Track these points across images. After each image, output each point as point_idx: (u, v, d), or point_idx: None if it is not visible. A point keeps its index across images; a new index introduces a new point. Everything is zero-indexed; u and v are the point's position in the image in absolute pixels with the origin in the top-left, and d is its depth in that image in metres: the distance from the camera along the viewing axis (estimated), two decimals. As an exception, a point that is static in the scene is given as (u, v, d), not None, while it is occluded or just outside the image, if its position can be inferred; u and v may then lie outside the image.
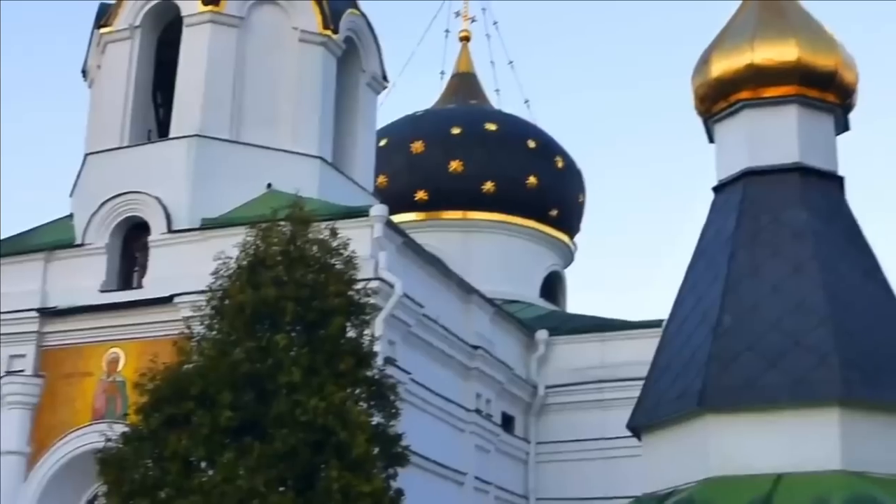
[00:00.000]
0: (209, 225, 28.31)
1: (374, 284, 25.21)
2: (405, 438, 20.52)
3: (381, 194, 34.22)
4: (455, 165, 41.10)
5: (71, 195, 31.62)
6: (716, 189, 20.11)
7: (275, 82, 30.80)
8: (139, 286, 28.94)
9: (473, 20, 48.33)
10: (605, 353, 34.91)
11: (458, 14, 48.34)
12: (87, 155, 31.26)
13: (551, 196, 42.34)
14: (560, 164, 43.02)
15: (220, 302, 20.37)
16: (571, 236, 44.30)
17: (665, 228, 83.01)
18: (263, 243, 20.52)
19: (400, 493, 20.13)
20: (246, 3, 30.98)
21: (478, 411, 32.13)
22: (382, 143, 38.48)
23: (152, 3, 31.48)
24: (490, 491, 32.49)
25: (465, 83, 46.77)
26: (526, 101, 47.22)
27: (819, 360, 17.11)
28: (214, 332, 20.15)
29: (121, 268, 29.61)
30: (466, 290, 32.23)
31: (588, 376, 34.59)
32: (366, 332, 20.72)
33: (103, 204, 29.50)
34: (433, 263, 30.74)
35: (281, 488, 18.56)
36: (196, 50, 30.61)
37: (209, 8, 30.50)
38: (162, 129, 31.64)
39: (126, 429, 20.25)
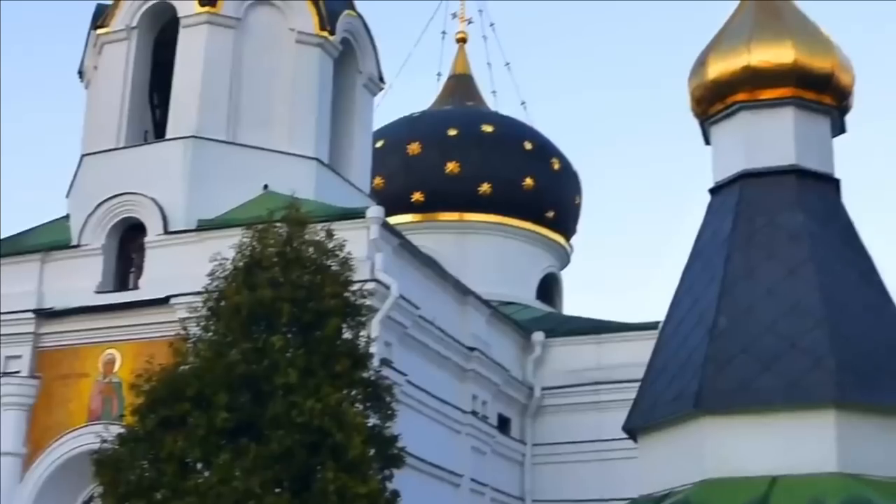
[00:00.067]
0: (205, 226, 28.30)
1: (370, 286, 25.19)
2: (401, 440, 20.51)
3: (377, 196, 34.22)
4: (451, 167, 41.10)
5: (67, 196, 31.61)
6: (712, 191, 20.10)
7: (271, 83, 30.80)
8: (135, 287, 28.94)
9: (470, 22, 48.44)
10: (601, 354, 34.93)
11: (454, 15, 48.43)
12: (83, 156, 31.24)
13: (548, 198, 42.35)
14: (556, 166, 43.03)
15: (216, 303, 20.36)
16: (568, 238, 44.30)
17: (661, 230, 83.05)
18: (260, 244, 20.51)
19: (396, 494, 20.13)
20: (242, 5, 30.98)
21: (474, 413, 32.13)
22: (379, 144, 38.50)
23: (149, 4, 31.48)
24: (486, 493, 32.50)
25: (461, 85, 46.78)
26: (522, 103, 47.35)
27: (814, 362, 17.11)
28: (210, 334, 20.14)
29: (117, 269, 29.61)
30: (463, 291, 32.24)
31: (584, 378, 34.60)
32: (362, 333, 20.71)
33: (100, 205, 29.50)
34: (429, 265, 30.73)
35: (277, 490, 18.55)
36: (193, 51, 30.60)
37: (206, 9, 30.50)
38: (158, 131, 31.62)
39: (122, 430, 20.23)
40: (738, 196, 19.32)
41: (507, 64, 48.29)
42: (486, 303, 33.70)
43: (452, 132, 41.86)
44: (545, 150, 43.25)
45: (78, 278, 29.05)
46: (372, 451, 19.46)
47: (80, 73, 33.18)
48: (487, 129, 42.45)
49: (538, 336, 35.50)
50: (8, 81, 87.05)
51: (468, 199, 41.04)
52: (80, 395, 28.25)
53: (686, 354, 18.19)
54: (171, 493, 18.69)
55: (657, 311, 22.50)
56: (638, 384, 19.29)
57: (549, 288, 43.34)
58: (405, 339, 28.36)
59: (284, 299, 19.60)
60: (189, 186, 29.14)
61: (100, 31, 31.82)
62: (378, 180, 38.60)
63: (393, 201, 36.58)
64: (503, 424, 34.28)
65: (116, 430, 20.61)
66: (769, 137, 19.45)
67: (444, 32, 48.44)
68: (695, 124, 20.82)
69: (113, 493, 19.37)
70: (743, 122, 19.72)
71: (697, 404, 17.41)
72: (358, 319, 20.62)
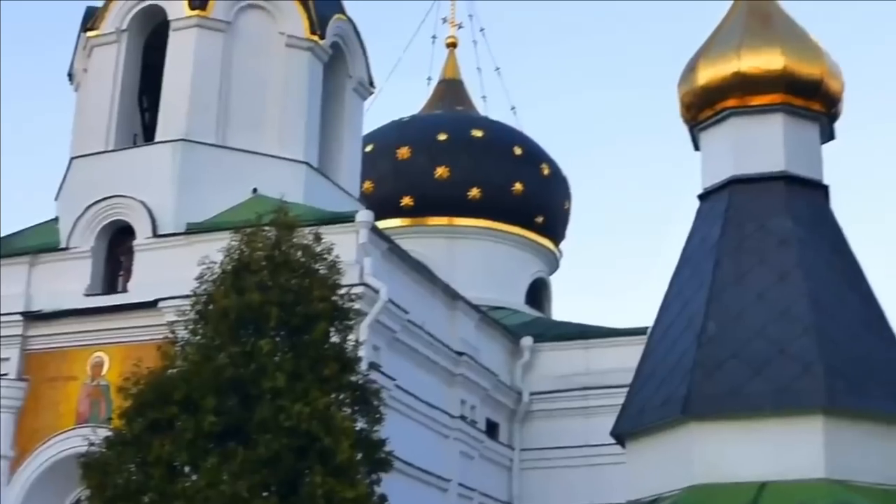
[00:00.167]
0: (194, 229, 28.28)
1: (359, 290, 25.19)
2: (389, 444, 20.48)
3: (366, 200, 34.19)
4: (441, 172, 41.11)
5: (56, 198, 31.57)
6: (701, 197, 20.11)
7: (261, 87, 30.79)
8: (124, 290, 28.91)
9: (460, 26, 48.43)
10: (589, 360, 34.95)
11: (445, 20, 48.40)
12: (72, 158, 31.20)
13: (537, 203, 42.36)
14: (546, 171, 43.04)
15: (204, 307, 20.34)
16: (557, 243, 44.32)
17: (650, 236, 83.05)
18: (248, 248, 20.50)
19: (384, 498, 20.13)
20: (233, 8, 30.96)
21: (462, 417, 32.13)
22: (368, 148, 38.49)
23: (139, 7, 31.45)
24: (474, 497, 32.49)
25: (451, 89, 46.80)
26: (512, 108, 47.41)
27: (803, 368, 17.12)
28: (198, 337, 20.12)
29: (105, 272, 29.57)
30: (452, 296, 32.23)
31: (573, 383, 34.62)
32: (350, 337, 20.70)
33: (88, 207, 29.47)
34: (418, 269, 30.74)
35: (264, 494, 18.52)
36: (182, 54, 30.58)
37: (196, 12, 30.48)
38: (148, 133, 31.59)
39: (109, 433, 20.18)
40: (727, 202, 19.34)
41: (497, 69, 48.40)
42: (475, 307, 33.71)
43: (442, 137, 41.86)
44: (535, 155, 43.27)
45: (66, 281, 29.01)
46: (360, 456, 19.44)
47: (70, 76, 33.14)
48: (477, 133, 42.47)
49: (527, 341, 35.51)
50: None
51: (457, 203, 41.04)
52: (68, 398, 28.21)
53: (675, 360, 18.19)
54: (159, 497, 18.66)
55: (646, 316, 22.47)
56: (626, 389, 19.28)
57: (537, 293, 43.36)
58: (394, 343, 28.36)
59: (272, 303, 19.59)
60: (178, 189, 29.12)
61: (90, 33, 31.78)
62: (367, 184, 38.58)
63: (382, 205, 36.53)
64: (491, 429, 34.27)
65: (104, 433, 20.55)
66: (758, 143, 19.47)
67: (434, 37, 48.51)
68: (684, 130, 20.85)
69: (100, 496, 19.34)
70: (732, 128, 19.73)
71: (686, 410, 17.41)
72: (346, 323, 20.61)
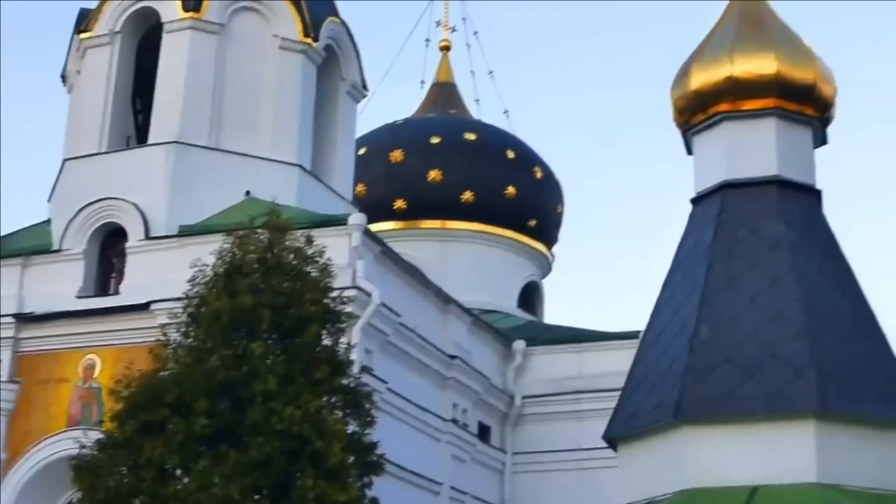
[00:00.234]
0: (187, 232, 28.25)
1: (351, 293, 25.22)
2: (381, 447, 20.49)
3: (359, 203, 34.18)
4: (434, 175, 41.10)
5: (49, 200, 31.53)
6: (694, 201, 20.12)
7: (254, 89, 30.77)
8: (116, 292, 28.86)
9: (454, 30, 48.40)
10: (582, 363, 34.93)
11: (438, 23, 48.38)
12: (65, 160, 31.17)
13: (530, 206, 42.37)
14: (539, 175, 43.04)
15: (196, 309, 20.33)
16: (549, 247, 44.33)
17: (643, 240, 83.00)
18: (240, 251, 20.50)
19: (375, 501, 20.14)
20: (226, 11, 30.95)
21: (454, 421, 32.11)
22: (362, 151, 38.52)
23: (133, 8, 31.41)
24: (466, 501, 32.46)
25: (444, 92, 46.79)
26: (505, 112, 47.41)
27: (795, 372, 17.13)
28: (190, 340, 20.11)
29: (98, 274, 29.53)
30: (444, 299, 32.22)
31: (565, 387, 34.60)
32: (342, 340, 20.70)
33: (81, 210, 29.42)
34: (411, 273, 30.73)
35: (256, 497, 18.54)
36: (176, 56, 30.55)
37: (189, 14, 30.45)
38: (141, 136, 31.58)
39: (101, 435, 20.19)
40: (719, 206, 19.35)
41: (491, 72, 48.41)
42: (468, 311, 33.69)
43: (435, 140, 41.86)
44: (528, 158, 43.28)
45: (59, 283, 28.97)
46: (351, 459, 19.44)
47: (63, 77, 33.11)
48: (470, 137, 42.47)
49: (519, 344, 35.50)
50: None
51: (450, 207, 41.03)
52: (59, 401, 28.16)
53: (667, 364, 18.20)
54: (150, 500, 18.67)
55: (638, 320, 22.58)
56: (618, 393, 19.28)
57: (530, 296, 43.36)
58: (386, 346, 28.34)
59: (264, 305, 19.59)
60: (171, 192, 29.09)
61: (83, 35, 31.73)
62: (360, 187, 38.57)
63: (375, 208, 36.56)
64: (483, 433, 34.25)
65: (95, 435, 20.57)
66: (751, 148, 19.49)
67: (427, 40, 48.47)
68: (677, 134, 20.86)
69: (91, 498, 19.33)
70: (725, 132, 19.75)
71: (678, 414, 17.41)
72: (338, 326, 20.62)
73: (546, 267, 44.57)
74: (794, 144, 19.64)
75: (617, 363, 26.68)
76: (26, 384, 28.59)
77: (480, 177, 41.35)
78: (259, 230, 20.79)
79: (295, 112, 30.94)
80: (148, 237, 28.67)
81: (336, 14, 33.31)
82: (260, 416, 18.68)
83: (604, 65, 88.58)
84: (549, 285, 45.11)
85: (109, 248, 29.55)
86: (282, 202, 23.50)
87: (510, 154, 42.55)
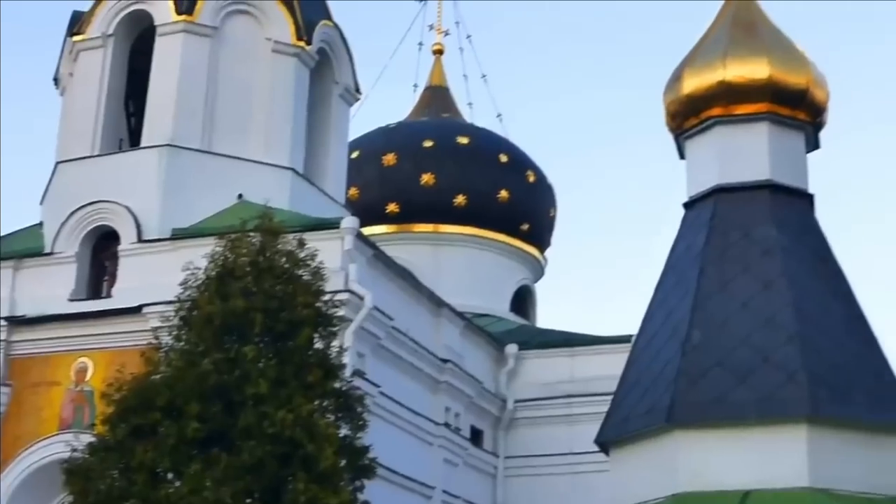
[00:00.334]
0: (179, 235, 28.21)
1: (344, 296, 25.20)
2: (373, 451, 20.46)
3: (352, 206, 34.16)
4: (427, 178, 41.07)
5: (41, 203, 31.49)
6: (686, 205, 20.15)
7: (247, 93, 30.73)
8: (108, 296, 28.81)
9: (447, 33, 48.38)
10: (574, 367, 34.91)
11: (431, 27, 48.34)
12: (57, 163, 31.11)
13: (522, 210, 42.34)
14: (532, 179, 43.02)
15: (188, 312, 20.30)
16: (542, 250, 44.30)
17: (635, 244, 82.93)
18: (233, 254, 20.46)
19: (367, 505, 20.11)
20: (219, 13, 30.91)
21: (446, 425, 32.08)
22: (354, 154, 38.49)
23: (126, 11, 31.36)
24: (458, 505, 32.45)
25: (437, 96, 46.78)
26: (498, 115, 47.38)
27: (787, 376, 17.16)
28: (182, 343, 20.08)
29: (90, 277, 29.47)
30: (437, 303, 32.20)
31: (557, 391, 34.58)
32: (334, 343, 20.68)
33: (73, 212, 29.37)
34: (404, 276, 30.70)
35: (248, 500, 18.51)
36: (169, 59, 30.51)
37: (182, 17, 30.41)
38: (133, 138, 31.52)
39: (93, 439, 20.15)
40: (712, 210, 19.38)
41: (484, 76, 48.33)
42: (460, 315, 33.67)
43: (428, 143, 41.83)
44: (520, 162, 43.25)
45: (51, 286, 28.91)
46: (343, 462, 19.41)
47: (56, 80, 33.06)
48: (463, 140, 42.44)
49: (511, 348, 35.47)
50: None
51: (443, 210, 41.01)
52: (51, 404, 28.08)
53: (659, 368, 18.21)
54: (142, 503, 18.63)
55: (630, 324, 22.59)
56: (611, 397, 19.31)
57: (522, 300, 43.33)
58: (378, 350, 28.31)
59: (257, 309, 19.56)
60: (163, 195, 29.04)
61: (76, 38, 31.69)
62: (353, 191, 38.56)
63: (368, 212, 36.54)
64: (476, 437, 34.22)
65: (87, 439, 20.54)
66: (743, 152, 19.53)
67: (420, 44, 48.44)
68: (670, 138, 20.87)
69: (83, 502, 19.29)
70: (717, 136, 19.78)
71: (670, 418, 17.43)
72: (330, 330, 20.59)
73: (539, 271, 44.55)
74: (786, 149, 19.68)
75: (609, 367, 26.71)
76: (18, 387, 28.51)
77: (473, 180, 41.32)
78: (251, 233, 20.75)
79: (287, 115, 30.91)
80: (140, 240, 28.62)
81: (329, 17, 33.30)
82: (252, 420, 18.65)
83: (597, 69, 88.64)
84: (541, 289, 45.13)
85: (102, 251, 29.48)
86: (274, 205, 23.46)
87: (503, 158, 42.53)
